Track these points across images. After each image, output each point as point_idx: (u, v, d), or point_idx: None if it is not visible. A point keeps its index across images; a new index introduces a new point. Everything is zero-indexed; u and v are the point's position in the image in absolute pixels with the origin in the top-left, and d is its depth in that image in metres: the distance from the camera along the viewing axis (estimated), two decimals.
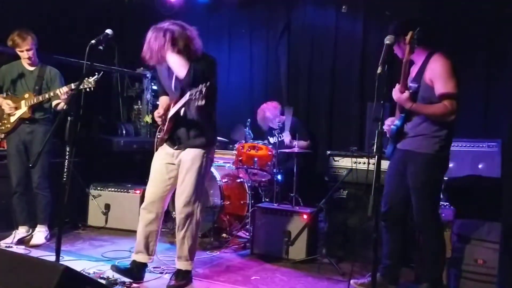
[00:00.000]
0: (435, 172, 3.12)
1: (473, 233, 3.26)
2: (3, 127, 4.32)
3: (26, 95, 4.27)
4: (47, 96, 4.16)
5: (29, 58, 4.28)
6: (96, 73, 3.88)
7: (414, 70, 3.21)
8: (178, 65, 3.23)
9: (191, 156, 3.35)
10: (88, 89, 3.81)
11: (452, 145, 4.19)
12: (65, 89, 4.05)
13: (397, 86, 3.10)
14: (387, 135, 3.28)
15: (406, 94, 3.07)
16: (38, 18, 4.94)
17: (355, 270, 3.53)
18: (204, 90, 2.95)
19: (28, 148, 4.27)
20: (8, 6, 4.97)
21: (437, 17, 4.80)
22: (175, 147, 3.42)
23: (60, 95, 4.08)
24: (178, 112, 3.32)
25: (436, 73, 3.00)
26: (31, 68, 4.35)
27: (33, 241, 4.33)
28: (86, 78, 3.83)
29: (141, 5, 6.31)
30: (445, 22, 4.74)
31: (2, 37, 4.34)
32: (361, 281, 3.37)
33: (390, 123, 3.24)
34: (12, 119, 4.28)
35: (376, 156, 2.49)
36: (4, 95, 4.37)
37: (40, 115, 4.31)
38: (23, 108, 4.26)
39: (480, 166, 4.22)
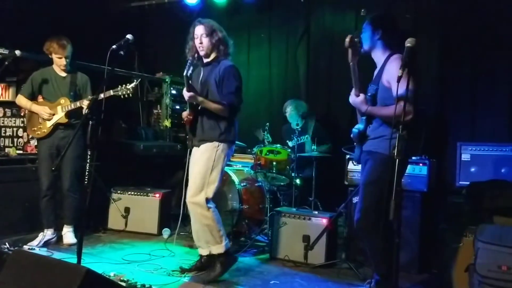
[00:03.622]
0: (387, 174, 2.77)
1: (497, 239, 3.19)
2: (38, 132, 4.37)
3: (62, 101, 4.32)
4: (84, 103, 4.19)
5: (65, 65, 4.36)
6: (135, 80, 3.95)
7: (375, 73, 3.24)
8: None
9: (202, 149, 3.52)
10: (126, 96, 3.89)
11: (474, 149, 4.21)
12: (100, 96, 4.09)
13: (353, 90, 3.14)
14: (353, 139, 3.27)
15: (361, 97, 3.12)
16: (56, 23, 4.99)
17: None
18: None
19: (61, 153, 4.31)
20: (26, 13, 5.04)
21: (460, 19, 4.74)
22: (193, 144, 3.60)
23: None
24: (198, 104, 3.49)
25: (392, 74, 2.94)
26: (64, 74, 4.42)
27: (66, 241, 4.42)
28: (124, 85, 3.90)
29: (161, 10, 6.36)
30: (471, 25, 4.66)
31: (25, 43, 4.42)
32: None
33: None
34: (49, 124, 4.33)
35: (397, 160, 2.47)
36: (37, 100, 4.42)
37: (74, 121, 4.35)
38: (60, 114, 4.32)
39: (503, 170, 4.14)
